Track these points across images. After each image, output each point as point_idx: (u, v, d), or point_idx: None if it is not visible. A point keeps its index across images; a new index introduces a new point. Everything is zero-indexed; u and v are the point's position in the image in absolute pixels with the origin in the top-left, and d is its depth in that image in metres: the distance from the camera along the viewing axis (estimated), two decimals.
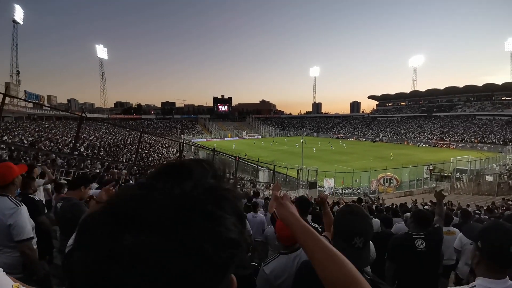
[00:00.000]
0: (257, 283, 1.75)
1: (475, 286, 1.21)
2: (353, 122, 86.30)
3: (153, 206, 0.33)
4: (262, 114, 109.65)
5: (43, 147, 17.94)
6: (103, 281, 0.29)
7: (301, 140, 36.80)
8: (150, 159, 24.07)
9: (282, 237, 1.82)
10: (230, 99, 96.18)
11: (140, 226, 0.31)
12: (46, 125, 37.42)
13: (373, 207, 7.75)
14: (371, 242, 2.88)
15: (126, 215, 0.32)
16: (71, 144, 19.76)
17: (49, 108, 48.10)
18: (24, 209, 2.10)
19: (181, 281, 0.30)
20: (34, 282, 2.15)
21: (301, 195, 3.30)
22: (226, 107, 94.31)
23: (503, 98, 61.75)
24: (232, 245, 0.35)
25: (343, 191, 21.65)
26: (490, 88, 63.23)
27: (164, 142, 39.67)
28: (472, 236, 1.32)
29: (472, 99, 67.86)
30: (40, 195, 4.02)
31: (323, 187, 21.96)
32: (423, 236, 2.53)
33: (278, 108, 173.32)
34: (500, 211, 9.45)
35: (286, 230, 1.79)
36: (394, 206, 8.71)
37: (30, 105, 45.02)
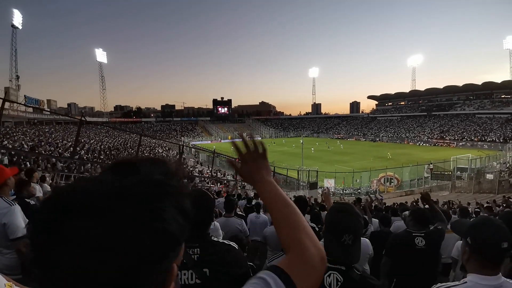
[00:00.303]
0: None
1: (466, 282, 1.20)
2: (353, 122, 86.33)
3: (92, 195, 0.36)
4: (262, 116, 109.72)
5: (43, 151, 17.97)
6: (46, 260, 0.33)
7: (300, 141, 36.82)
8: (154, 157, 24.08)
9: None
10: (229, 101, 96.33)
11: (77, 212, 0.34)
12: (46, 130, 37.51)
13: (372, 206, 7.75)
14: (368, 240, 2.91)
15: (66, 202, 0.35)
16: (71, 148, 19.81)
17: (49, 113, 48.15)
18: (17, 208, 2.14)
19: (110, 265, 0.33)
20: (33, 282, 2.16)
21: (299, 195, 3.32)
22: (225, 109, 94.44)
23: (502, 96, 61.77)
24: (167, 235, 0.37)
25: (344, 191, 21.64)
26: (489, 87, 63.29)
27: (165, 144, 39.73)
28: (461, 232, 1.31)
29: (471, 97, 67.89)
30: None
31: (323, 187, 21.98)
32: (423, 234, 2.54)
33: (278, 109, 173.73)
34: (501, 208, 9.44)
35: None
36: (395, 206, 8.72)
37: (30, 109, 45.10)
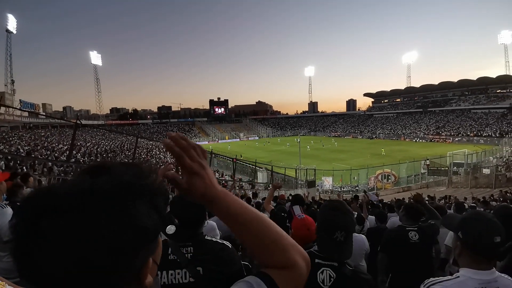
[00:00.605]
0: None
1: (459, 277, 1.20)
2: (350, 120, 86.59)
3: (65, 194, 0.38)
4: (259, 115, 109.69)
5: (39, 155, 17.85)
6: (25, 259, 0.36)
7: (297, 140, 36.88)
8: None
9: (298, 236, 1.85)
10: (226, 101, 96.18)
11: (52, 211, 0.37)
12: (42, 134, 37.23)
13: (369, 203, 7.78)
14: (364, 236, 2.93)
15: (41, 202, 0.38)
16: (67, 152, 19.68)
17: (44, 116, 47.81)
18: (9, 210, 2.17)
19: (82, 261, 0.35)
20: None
21: (296, 193, 3.36)
22: (222, 109, 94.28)
23: (497, 91, 62.13)
24: (138, 230, 0.39)
25: (342, 188, 21.72)
26: (484, 82, 63.69)
27: (162, 146, 39.55)
28: (452, 226, 1.30)
29: (466, 93, 68.33)
30: None
31: (321, 186, 22.05)
32: (416, 228, 2.58)
33: (275, 108, 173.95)
34: (498, 203, 9.50)
35: (302, 229, 1.83)
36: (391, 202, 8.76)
37: (26, 114, 44.74)
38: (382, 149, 38.25)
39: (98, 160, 20.34)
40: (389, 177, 22.33)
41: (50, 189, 0.39)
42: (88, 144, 30.07)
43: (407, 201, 9.72)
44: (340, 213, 1.36)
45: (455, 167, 22.54)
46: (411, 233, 2.55)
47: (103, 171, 0.42)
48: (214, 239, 1.41)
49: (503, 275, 1.19)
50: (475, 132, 49.28)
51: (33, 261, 0.35)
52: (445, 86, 71.98)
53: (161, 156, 32.20)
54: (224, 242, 1.41)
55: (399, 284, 2.56)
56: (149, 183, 0.44)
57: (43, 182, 6.12)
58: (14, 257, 0.37)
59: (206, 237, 1.39)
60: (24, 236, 0.36)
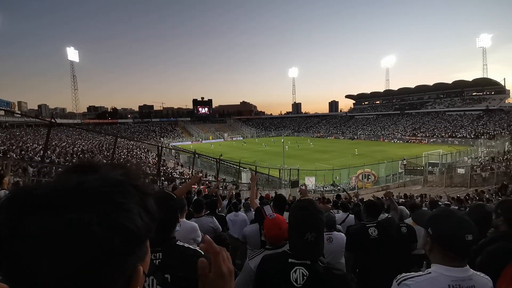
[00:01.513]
0: (241, 276, 1.80)
1: (430, 273, 1.19)
2: (332, 121, 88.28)
3: (50, 191, 0.37)
4: (243, 116, 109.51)
5: (14, 155, 16.92)
6: (7, 258, 0.34)
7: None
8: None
9: (270, 235, 1.85)
10: (210, 101, 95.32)
11: (36, 209, 0.35)
12: (17, 133, 35.37)
13: (350, 202, 7.97)
14: (343, 235, 3.00)
15: (25, 199, 0.36)
16: (41, 152, 18.77)
17: (19, 115, 45.34)
18: None
19: (71, 261, 0.33)
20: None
21: (278, 194, 3.38)
22: (206, 109, 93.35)
23: (473, 93, 64.61)
24: (127, 231, 0.37)
25: (324, 188, 22.10)
26: (459, 85, 66.42)
27: (143, 146, 38.62)
28: (422, 222, 1.32)
29: (442, 96, 71.32)
30: None
31: (303, 185, 22.30)
32: (375, 224, 2.67)
33: (259, 109, 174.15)
34: (474, 202, 9.90)
35: (274, 229, 1.83)
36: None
37: (2, 112, 42.35)
38: (356, 149, 39.78)
39: (74, 160, 19.55)
40: (369, 177, 22.99)
41: (34, 187, 0.38)
42: (63, 144, 28.85)
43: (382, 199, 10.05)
44: (310, 213, 1.34)
45: (430, 167, 23.44)
46: (370, 229, 2.63)
47: (90, 169, 0.41)
48: (186, 245, 1.35)
49: (478, 273, 1.18)
50: (449, 134, 51.55)
51: (18, 262, 0.33)
52: (421, 89, 74.95)
53: (141, 156, 31.41)
54: (197, 248, 1.34)
55: (366, 280, 2.63)
56: (139, 184, 0.43)
57: (21, 183, 5.81)
58: None
59: (178, 242, 1.33)
60: (7, 236, 0.34)
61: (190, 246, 1.35)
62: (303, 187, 2.80)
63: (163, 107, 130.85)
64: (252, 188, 3.74)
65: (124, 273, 0.39)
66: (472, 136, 46.35)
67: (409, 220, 3.66)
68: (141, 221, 0.39)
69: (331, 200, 8.46)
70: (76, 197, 0.36)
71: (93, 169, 0.41)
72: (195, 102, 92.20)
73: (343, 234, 2.98)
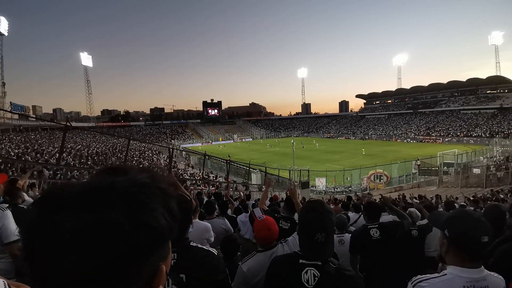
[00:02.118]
0: (235, 282, 1.79)
1: (446, 274, 1.19)
2: (342, 121, 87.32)
3: (81, 191, 0.39)
4: (253, 117, 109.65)
5: (29, 158, 17.49)
6: (37, 255, 0.35)
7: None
8: (141, 166, 23.71)
9: (260, 237, 1.85)
10: (219, 102, 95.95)
11: (68, 207, 0.37)
12: (32, 136, 36.55)
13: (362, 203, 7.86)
14: (349, 236, 2.96)
15: (57, 198, 0.38)
16: (57, 155, 19.33)
17: (34, 119, 46.87)
18: (9, 213, 2.18)
19: (100, 255, 0.35)
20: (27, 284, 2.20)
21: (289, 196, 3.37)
22: (216, 111, 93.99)
23: (487, 91, 63.11)
24: (152, 229, 0.39)
25: (335, 189, 21.87)
26: (474, 83, 64.79)
27: (155, 148, 39.21)
28: (438, 223, 1.30)
29: (456, 94, 69.59)
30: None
31: (315, 187, 22.14)
32: (377, 225, 2.64)
33: (268, 110, 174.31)
34: (489, 202, 9.64)
35: (263, 230, 1.84)
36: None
37: (16, 116, 43.92)
38: (363, 149, 39.52)
39: (89, 163, 20.04)
40: (381, 178, 22.59)
41: (65, 186, 0.40)
42: (78, 147, 29.62)
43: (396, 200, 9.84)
44: (319, 214, 1.35)
45: (445, 167, 22.89)
46: (372, 230, 2.61)
47: (120, 172, 0.44)
48: (199, 246, 1.38)
49: (492, 273, 1.19)
50: (464, 133, 50.19)
51: (46, 258, 0.35)
52: (435, 87, 73.28)
53: (153, 158, 31.90)
54: (210, 249, 1.38)
55: (371, 281, 2.60)
56: (163, 186, 0.45)
57: (36, 186, 6.00)
58: (27, 255, 0.36)
59: (191, 243, 1.36)
60: (38, 232, 0.36)
61: (203, 247, 1.38)
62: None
63: (173, 110, 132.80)
64: (264, 192, 3.75)
65: (147, 270, 0.41)
66: (487, 135, 45.13)
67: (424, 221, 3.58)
68: (164, 220, 0.41)
69: (341, 202, 8.36)
70: (107, 196, 0.39)
71: (123, 171, 0.44)
72: (205, 104, 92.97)
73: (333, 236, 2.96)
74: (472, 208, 6.74)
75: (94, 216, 0.36)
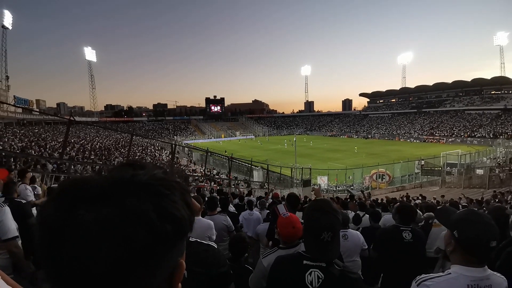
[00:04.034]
0: (254, 274, 1.82)
1: (450, 273, 1.20)
2: (345, 119, 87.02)
3: (103, 183, 0.39)
4: (255, 114, 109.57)
5: (33, 152, 17.60)
6: (59, 251, 0.34)
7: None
8: (143, 161, 23.75)
9: (284, 234, 1.84)
10: (222, 99, 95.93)
11: (89, 197, 0.37)
12: (36, 130, 36.78)
13: (367, 203, 7.84)
14: (359, 232, 2.95)
15: (77, 189, 0.38)
16: (60, 149, 19.41)
17: (38, 113, 47.23)
18: (7, 209, 2.15)
19: (127, 246, 0.35)
20: (24, 280, 2.22)
21: (291, 192, 3.35)
22: (218, 107, 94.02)
23: (492, 92, 62.67)
24: (176, 220, 0.40)
25: (337, 188, 21.83)
26: (479, 83, 64.27)
27: (157, 144, 39.36)
28: (447, 223, 1.29)
29: (461, 94, 69.03)
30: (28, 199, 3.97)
31: (317, 185, 22.13)
32: (409, 228, 2.63)
33: (271, 107, 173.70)
34: (492, 203, 9.59)
35: (288, 227, 1.82)
36: (385, 201, 8.84)
37: (20, 110, 44.19)
38: (355, 147, 39.96)
39: (92, 157, 20.14)
40: (384, 177, 22.50)
41: (85, 179, 0.40)
42: (81, 141, 29.78)
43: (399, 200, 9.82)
44: (326, 213, 1.34)
45: (448, 168, 22.77)
46: (405, 232, 2.60)
47: (138, 167, 0.44)
48: (198, 240, 1.38)
49: (495, 273, 1.20)
50: (468, 133, 49.87)
51: (75, 254, 0.34)
52: (440, 87, 72.67)
53: (156, 154, 32.02)
54: (210, 243, 1.38)
55: (391, 283, 2.59)
56: (179, 181, 0.46)
57: (37, 180, 6.02)
58: (46, 250, 0.35)
59: (190, 239, 1.35)
60: (61, 225, 0.35)
61: (203, 242, 1.37)
62: (316, 187, 2.80)
63: (176, 106, 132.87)
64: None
65: (170, 264, 0.41)
66: (491, 136, 44.83)
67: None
68: (184, 213, 0.42)
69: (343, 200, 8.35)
70: (130, 187, 0.39)
71: (140, 166, 0.44)
72: (208, 100, 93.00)
73: (358, 232, 2.94)
74: (474, 209, 6.69)
75: (120, 206, 0.36)
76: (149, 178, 0.41)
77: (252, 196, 8.66)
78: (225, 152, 30.84)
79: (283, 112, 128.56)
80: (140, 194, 0.38)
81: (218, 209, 4.06)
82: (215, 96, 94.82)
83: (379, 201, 9.59)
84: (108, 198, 0.37)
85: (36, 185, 5.08)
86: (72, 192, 0.37)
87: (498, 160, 25.30)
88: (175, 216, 0.40)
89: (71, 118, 9.24)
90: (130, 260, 0.35)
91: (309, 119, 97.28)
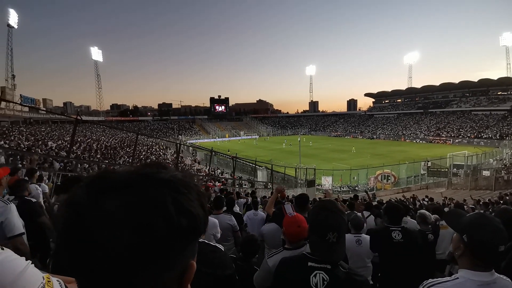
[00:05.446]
0: (259, 274, 1.82)
1: (458, 278, 1.19)
2: (350, 120, 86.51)
3: (128, 176, 0.42)
4: (260, 114, 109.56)
5: (40, 151, 17.82)
6: (83, 232, 0.37)
7: (299, 139, 36.99)
8: (148, 160, 23.93)
9: (290, 233, 1.84)
10: (227, 99, 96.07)
11: (113, 187, 0.39)
12: (43, 129, 37.20)
13: (373, 203, 7.78)
14: (366, 236, 2.93)
15: (103, 181, 0.41)
16: (67, 147, 19.62)
17: (44, 112, 47.73)
18: (13, 206, 2.17)
19: (146, 234, 0.37)
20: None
21: (301, 193, 3.35)
22: (223, 107, 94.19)
23: (498, 93, 61.95)
24: (191, 217, 0.42)
25: (342, 188, 21.72)
26: (485, 83, 63.52)
27: (162, 143, 39.58)
28: (457, 226, 1.26)
29: (467, 94, 68.21)
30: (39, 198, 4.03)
31: (321, 185, 22.03)
32: (399, 228, 2.61)
33: (275, 107, 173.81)
34: (498, 205, 9.47)
35: (293, 226, 1.83)
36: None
37: (26, 109, 44.68)
38: (353, 148, 40.30)
39: (98, 156, 20.36)
40: (389, 178, 22.32)
41: (111, 171, 0.43)
42: (88, 140, 30.07)
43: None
44: (332, 213, 1.33)
45: (455, 169, 22.52)
46: (394, 232, 2.58)
47: (162, 166, 0.47)
48: (206, 241, 1.38)
49: (502, 276, 1.19)
50: (475, 134, 49.22)
51: (92, 235, 0.36)
52: (446, 87, 71.87)
53: (161, 153, 32.21)
54: (217, 245, 1.38)
55: (387, 283, 2.59)
56: (196, 184, 0.48)
57: (44, 178, 6.10)
58: (70, 231, 0.37)
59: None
60: (87, 211, 0.37)
61: (210, 243, 1.38)
62: (329, 191, 2.81)
63: (181, 105, 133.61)
64: (272, 197, 3.74)
65: (181, 261, 0.43)
66: (498, 137, 44.24)
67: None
68: (201, 212, 0.44)
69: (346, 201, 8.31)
70: (152, 181, 0.42)
71: (164, 167, 0.46)
72: (212, 100, 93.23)
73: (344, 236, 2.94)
74: (482, 211, 6.62)
75: (142, 196, 0.39)
76: (170, 176, 0.44)
77: (255, 196, 8.65)
78: (228, 151, 30.91)
79: (287, 112, 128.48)
80: (161, 188, 0.41)
81: (224, 208, 4.09)
82: (219, 96, 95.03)
83: (384, 202, 9.53)
84: (132, 188, 0.39)
85: (43, 183, 5.16)
86: (99, 181, 0.40)
87: (504, 161, 24.98)
88: (191, 213, 0.42)
89: (78, 117, 9.33)
90: (146, 247, 0.37)
91: (313, 119, 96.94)
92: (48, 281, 0.78)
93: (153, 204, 0.39)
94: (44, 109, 59.66)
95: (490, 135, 46.86)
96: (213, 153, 16.41)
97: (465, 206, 7.18)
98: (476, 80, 64.76)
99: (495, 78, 61.22)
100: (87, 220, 0.37)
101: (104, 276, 0.36)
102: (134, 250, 0.36)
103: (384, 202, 9.80)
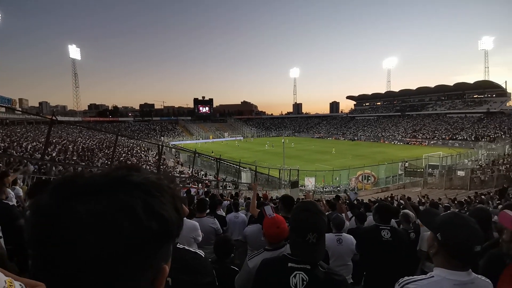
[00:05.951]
0: (240, 275, 1.82)
1: (433, 276, 1.18)
2: (333, 122, 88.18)
3: (98, 180, 0.41)
4: (244, 115, 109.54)
5: (15, 152, 16.91)
6: (51, 237, 0.36)
7: (282, 141, 37.31)
8: (129, 162, 23.28)
9: (270, 234, 1.85)
10: (211, 100, 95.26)
11: (82, 192, 0.39)
12: (18, 130, 35.37)
13: (353, 203, 7.93)
14: (352, 236, 3.00)
15: (71, 185, 0.40)
16: (42, 149, 18.71)
17: (20, 112, 45.31)
18: None
19: (115, 240, 0.36)
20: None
21: (285, 194, 3.36)
22: (207, 108, 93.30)
23: (475, 96, 64.41)
24: (163, 220, 0.41)
25: (324, 189, 22.09)
26: (461, 87, 66.11)
27: (143, 145, 38.64)
28: (430, 225, 1.26)
29: (443, 98, 71.03)
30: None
31: (304, 186, 22.31)
32: (389, 227, 2.68)
33: (260, 109, 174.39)
34: (473, 204, 9.87)
35: (272, 228, 1.83)
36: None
37: (3, 109, 42.30)
38: (333, 149, 42.01)
39: (74, 158, 19.56)
40: (369, 178, 22.98)
41: (78, 175, 0.41)
42: (64, 141, 28.86)
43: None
44: (312, 214, 1.34)
45: (430, 169, 23.40)
46: (383, 231, 2.64)
47: (133, 169, 0.46)
48: (186, 247, 1.35)
49: (480, 276, 1.19)
50: (450, 136, 51.45)
51: (65, 243, 0.35)
52: (423, 91, 74.76)
53: (142, 155, 31.42)
54: (197, 251, 1.36)
55: (374, 282, 2.64)
56: (172, 186, 0.47)
57: (18, 181, 5.78)
58: (38, 235, 0.37)
59: (178, 245, 1.32)
60: (54, 218, 0.36)
61: (190, 249, 1.34)
62: (310, 193, 2.84)
63: (163, 106, 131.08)
64: (253, 197, 3.73)
65: (154, 267, 0.42)
66: (473, 139, 46.21)
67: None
68: (173, 215, 0.43)
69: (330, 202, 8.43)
70: (123, 185, 0.41)
71: (136, 169, 0.46)
72: (196, 101, 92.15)
73: (351, 236, 2.98)
74: (456, 210, 6.91)
75: (111, 201, 0.38)
76: (143, 179, 0.43)
77: (239, 197, 8.62)
78: (212, 152, 30.62)
79: (271, 114, 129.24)
80: (131, 192, 0.40)
81: (207, 211, 4.04)
82: (203, 97, 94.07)
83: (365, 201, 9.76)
84: (101, 193, 0.39)
85: (16, 186, 4.90)
86: (68, 186, 0.39)
87: (480, 162, 25.97)
88: (162, 216, 0.41)
89: (53, 118, 8.95)
90: (115, 251, 0.36)
91: (297, 121, 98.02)
92: (10, 285, 0.74)
93: (121, 209, 0.38)
94: (20, 109, 56.78)
95: (465, 137, 48.79)
96: (197, 154, 16.23)
97: (439, 205, 7.48)
98: (451, 84, 67.38)
99: (472, 82, 63.13)
100: (54, 226, 0.36)
101: (73, 281, 0.36)
102: (102, 254, 0.36)
103: (363, 202, 10.05)
